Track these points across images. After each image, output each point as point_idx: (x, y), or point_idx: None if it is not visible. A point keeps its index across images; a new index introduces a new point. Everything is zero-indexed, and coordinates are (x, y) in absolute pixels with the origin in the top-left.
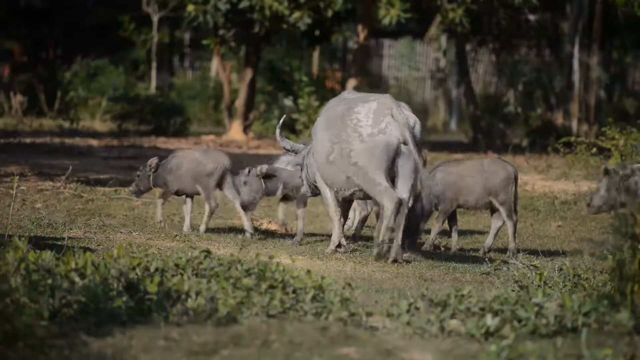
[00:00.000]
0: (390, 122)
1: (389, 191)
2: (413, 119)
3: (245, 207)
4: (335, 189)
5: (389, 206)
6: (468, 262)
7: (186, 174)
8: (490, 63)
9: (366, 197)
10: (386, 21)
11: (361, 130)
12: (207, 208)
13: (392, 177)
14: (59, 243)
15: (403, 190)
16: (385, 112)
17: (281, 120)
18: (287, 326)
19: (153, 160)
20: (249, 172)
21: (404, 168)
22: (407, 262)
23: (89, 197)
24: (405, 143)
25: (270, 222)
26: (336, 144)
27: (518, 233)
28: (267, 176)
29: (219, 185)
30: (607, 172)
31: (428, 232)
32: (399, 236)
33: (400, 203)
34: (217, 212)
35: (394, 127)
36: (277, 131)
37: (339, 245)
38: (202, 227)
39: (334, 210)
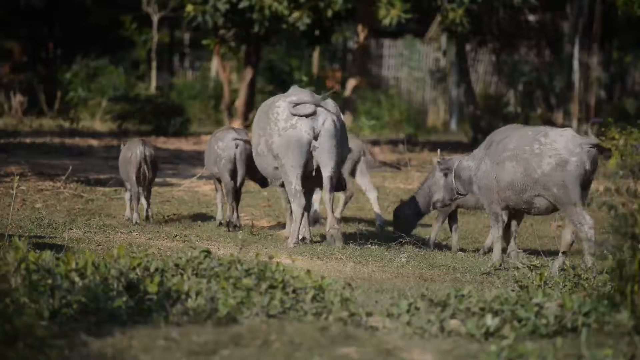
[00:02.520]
0: (301, 117)
1: (298, 195)
2: (330, 115)
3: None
4: (269, 180)
5: (296, 210)
6: (468, 262)
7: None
8: (490, 63)
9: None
10: (386, 21)
11: (279, 125)
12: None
13: (316, 168)
14: (59, 243)
15: (324, 178)
16: (298, 107)
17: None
18: (287, 326)
19: None
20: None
21: (321, 160)
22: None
23: (89, 197)
24: (316, 138)
25: (269, 221)
26: (262, 137)
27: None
28: None
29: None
30: (440, 164)
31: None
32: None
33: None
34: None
35: (303, 123)
36: None
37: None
38: (127, 212)
39: (283, 206)
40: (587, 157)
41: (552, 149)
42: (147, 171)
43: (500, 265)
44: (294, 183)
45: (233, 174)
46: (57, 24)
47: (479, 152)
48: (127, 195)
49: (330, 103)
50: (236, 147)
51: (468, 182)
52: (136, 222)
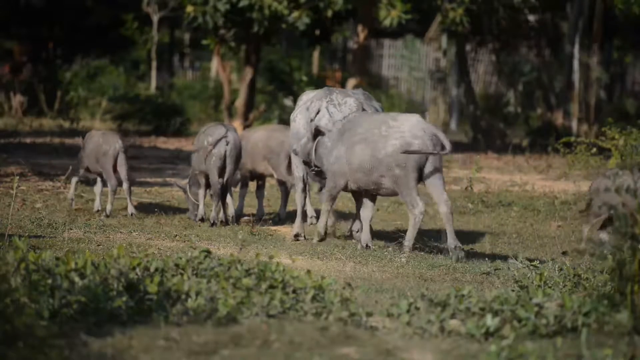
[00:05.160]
0: (301, 111)
1: (298, 183)
2: (329, 113)
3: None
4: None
5: (297, 196)
6: (468, 262)
7: (89, 154)
8: (490, 63)
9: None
10: (387, 22)
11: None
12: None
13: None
14: (59, 243)
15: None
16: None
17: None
18: (287, 326)
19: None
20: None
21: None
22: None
23: (89, 197)
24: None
25: (269, 221)
26: None
27: (518, 233)
28: None
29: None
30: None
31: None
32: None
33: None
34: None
35: (301, 117)
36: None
37: (297, 235)
38: (108, 207)
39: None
40: (430, 142)
41: (398, 132)
42: (124, 164)
43: (324, 236)
44: (296, 170)
45: (221, 171)
46: (57, 24)
47: (335, 136)
48: (73, 180)
49: (345, 102)
50: (227, 144)
51: (319, 159)
52: (97, 210)
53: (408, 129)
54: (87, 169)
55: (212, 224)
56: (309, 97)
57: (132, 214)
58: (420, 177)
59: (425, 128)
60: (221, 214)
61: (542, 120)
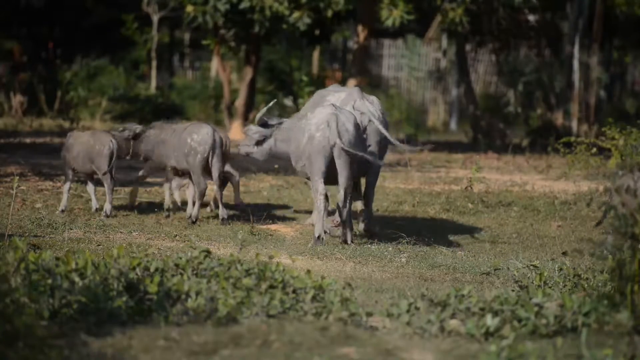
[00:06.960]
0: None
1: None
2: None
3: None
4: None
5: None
6: (468, 262)
7: (78, 155)
8: (490, 63)
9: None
10: (389, 22)
11: None
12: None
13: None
14: (59, 243)
15: None
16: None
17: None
18: (287, 326)
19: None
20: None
21: None
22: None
23: (88, 197)
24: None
25: (272, 222)
26: None
27: (518, 233)
28: (135, 138)
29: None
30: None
31: None
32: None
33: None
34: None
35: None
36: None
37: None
38: (107, 206)
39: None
40: (331, 134)
41: (308, 124)
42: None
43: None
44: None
45: (206, 169)
46: (57, 24)
47: None
48: (66, 187)
49: (372, 100)
50: (214, 142)
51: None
52: (96, 209)
53: (315, 122)
54: (74, 170)
55: (167, 216)
56: (337, 97)
57: (107, 212)
58: (329, 168)
59: (331, 121)
60: (222, 213)
61: (542, 120)
